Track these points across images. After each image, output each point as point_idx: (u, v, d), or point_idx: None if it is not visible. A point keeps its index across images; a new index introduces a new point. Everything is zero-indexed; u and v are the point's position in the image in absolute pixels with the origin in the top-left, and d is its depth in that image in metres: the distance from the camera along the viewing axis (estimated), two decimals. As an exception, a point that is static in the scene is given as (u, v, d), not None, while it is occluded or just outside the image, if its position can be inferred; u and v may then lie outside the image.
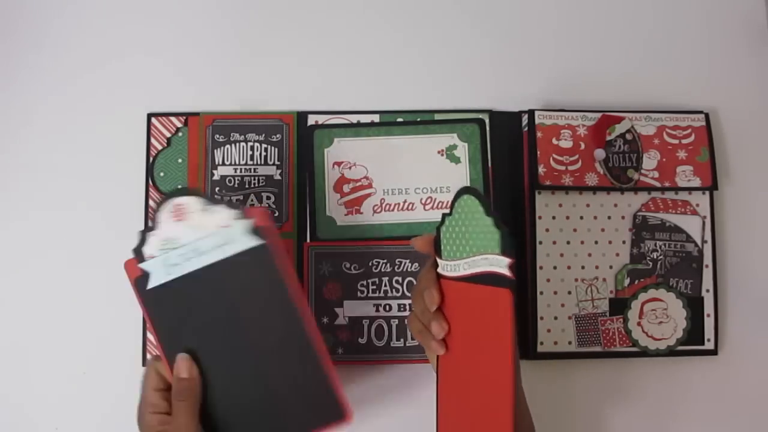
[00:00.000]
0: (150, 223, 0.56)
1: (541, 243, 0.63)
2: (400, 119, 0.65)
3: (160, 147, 0.64)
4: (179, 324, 0.53)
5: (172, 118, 0.65)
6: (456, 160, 0.64)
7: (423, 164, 0.64)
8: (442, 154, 0.64)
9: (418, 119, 0.65)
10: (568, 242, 0.63)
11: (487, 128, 0.65)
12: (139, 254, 0.53)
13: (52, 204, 0.65)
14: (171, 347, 0.53)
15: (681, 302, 0.63)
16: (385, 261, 0.63)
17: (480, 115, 0.65)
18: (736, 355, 0.64)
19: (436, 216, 0.63)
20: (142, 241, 0.54)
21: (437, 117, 0.65)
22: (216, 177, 0.64)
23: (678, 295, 0.63)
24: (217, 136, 0.65)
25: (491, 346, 0.43)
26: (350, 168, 0.64)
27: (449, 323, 0.47)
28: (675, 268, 0.64)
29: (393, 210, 0.64)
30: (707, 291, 0.64)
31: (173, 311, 0.53)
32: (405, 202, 0.64)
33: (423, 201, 0.64)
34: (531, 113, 0.64)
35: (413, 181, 0.64)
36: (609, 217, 0.64)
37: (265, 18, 0.68)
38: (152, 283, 0.53)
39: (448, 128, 0.64)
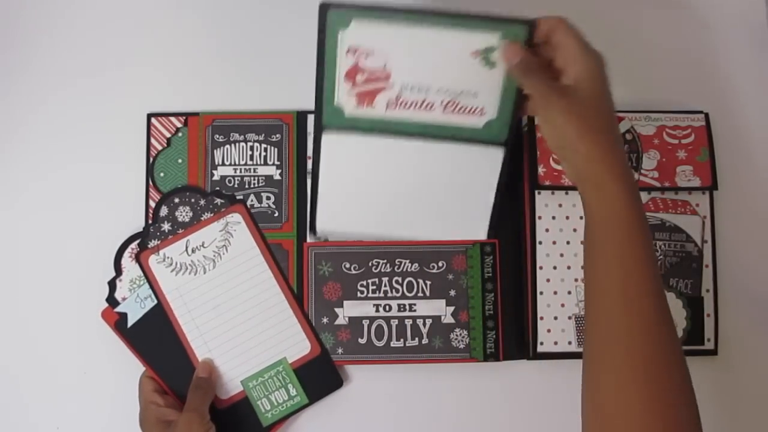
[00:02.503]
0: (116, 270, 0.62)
1: (541, 243, 0.63)
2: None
3: (160, 147, 0.64)
4: (163, 345, 0.60)
5: (172, 118, 0.65)
6: (491, 64, 0.54)
7: (452, 63, 0.54)
8: (476, 56, 0.54)
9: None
10: (568, 242, 0.63)
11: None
12: (112, 301, 0.61)
13: (53, 204, 0.65)
14: (163, 369, 0.60)
15: (681, 302, 0.63)
16: (385, 261, 0.63)
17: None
18: (736, 355, 0.64)
19: (454, 121, 0.56)
20: (113, 288, 0.61)
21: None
22: (216, 177, 0.64)
23: (678, 295, 0.63)
24: (217, 136, 0.65)
25: None
26: (367, 57, 0.54)
27: None
28: (675, 268, 0.64)
29: (409, 107, 0.56)
30: (707, 291, 0.64)
31: (156, 336, 0.60)
32: (424, 101, 0.55)
33: (444, 103, 0.55)
34: (531, 113, 0.64)
35: (437, 81, 0.54)
36: (609, 217, 0.64)
37: (264, 17, 0.68)
38: (131, 321, 0.61)
39: (490, 25, 0.52)
